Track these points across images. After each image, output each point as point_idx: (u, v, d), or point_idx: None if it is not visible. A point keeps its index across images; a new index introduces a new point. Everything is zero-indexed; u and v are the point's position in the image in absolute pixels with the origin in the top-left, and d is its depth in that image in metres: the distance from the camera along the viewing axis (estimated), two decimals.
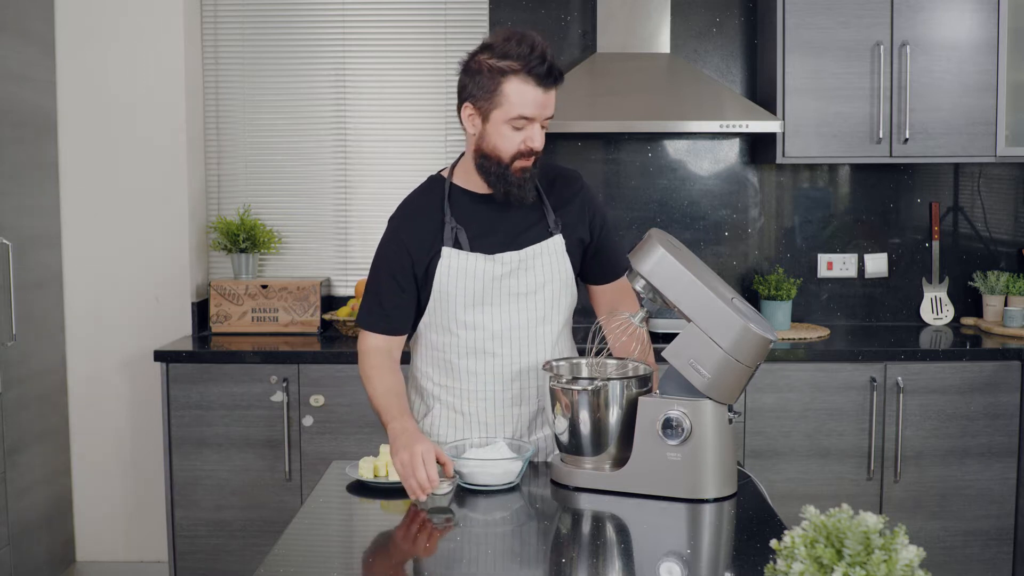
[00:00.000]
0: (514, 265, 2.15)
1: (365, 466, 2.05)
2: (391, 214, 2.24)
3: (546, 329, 2.21)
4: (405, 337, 2.24)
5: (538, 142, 2.07)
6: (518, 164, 2.08)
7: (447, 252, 2.14)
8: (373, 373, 2.17)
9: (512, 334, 2.18)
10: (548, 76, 2.03)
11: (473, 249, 2.14)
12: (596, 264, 2.28)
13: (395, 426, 2.03)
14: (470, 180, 2.18)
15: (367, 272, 2.27)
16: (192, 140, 3.83)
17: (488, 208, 2.16)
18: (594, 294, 2.34)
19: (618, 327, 2.26)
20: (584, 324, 2.48)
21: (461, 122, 2.13)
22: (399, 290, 2.17)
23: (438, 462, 1.93)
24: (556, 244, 2.19)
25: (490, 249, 2.14)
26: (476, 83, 2.06)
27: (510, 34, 2.05)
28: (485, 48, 2.07)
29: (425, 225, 2.17)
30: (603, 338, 2.28)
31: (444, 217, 2.15)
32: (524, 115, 2.04)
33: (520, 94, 2.03)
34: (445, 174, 2.23)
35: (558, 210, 2.21)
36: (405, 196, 2.26)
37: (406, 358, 2.36)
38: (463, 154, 2.21)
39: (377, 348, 2.20)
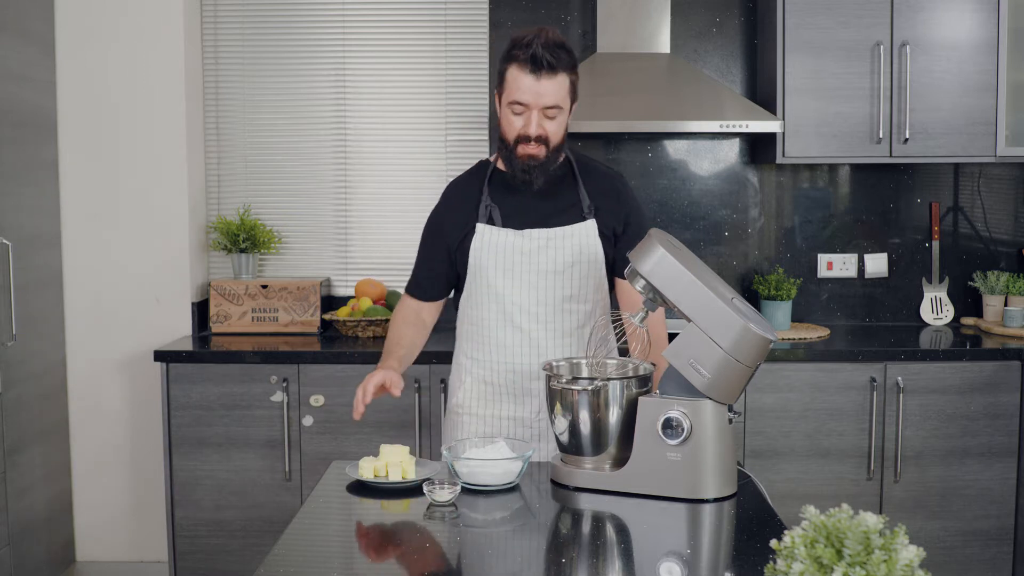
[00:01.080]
0: (542, 242, 2.28)
1: (365, 466, 2.05)
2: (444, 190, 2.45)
3: (575, 307, 2.32)
4: (437, 304, 2.46)
5: (533, 129, 2.21)
6: (521, 149, 2.24)
7: (481, 228, 2.30)
8: (395, 322, 2.44)
9: (540, 309, 2.30)
10: (535, 63, 2.17)
11: (505, 225, 2.29)
12: (622, 258, 2.38)
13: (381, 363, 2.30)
14: None
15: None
16: (192, 140, 3.83)
17: (526, 190, 2.31)
18: (620, 288, 2.43)
19: (618, 327, 2.27)
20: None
21: None
22: (432, 263, 2.40)
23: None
24: (588, 228, 2.31)
25: (520, 226, 2.30)
26: (499, 71, 2.27)
27: (529, 29, 2.24)
28: (512, 40, 2.25)
29: (464, 204, 2.34)
30: (617, 336, 2.31)
31: (482, 196, 2.32)
32: (518, 100, 2.20)
33: (515, 80, 2.20)
34: (492, 159, 2.41)
35: (593, 198, 2.34)
36: (457, 175, 2.47)
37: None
38: None
39: (408, 306, 2.46)
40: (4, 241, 3.25)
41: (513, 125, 2.23)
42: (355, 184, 4.00)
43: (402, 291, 2.72)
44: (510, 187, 2.32)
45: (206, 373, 3.42)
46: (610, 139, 3.95)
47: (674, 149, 3.98)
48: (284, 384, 3.41)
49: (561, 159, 2.33)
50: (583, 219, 2.32)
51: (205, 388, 3.42)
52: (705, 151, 3.98)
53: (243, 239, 3.81)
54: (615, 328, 2.40)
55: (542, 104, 2.20)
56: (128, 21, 3.72)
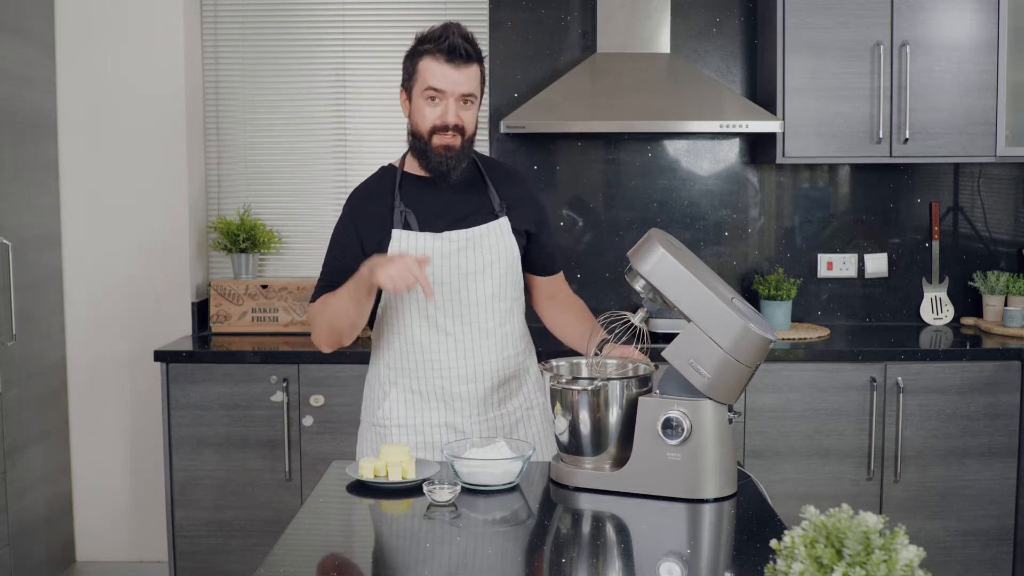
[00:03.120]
0: (462, 244, 2.27)
1: (365, 466, 2.05)
2: (348, 195, 2.40)
3: (497, 306, 2.32)
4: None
5: (451, 117, 2.21)
6: (437, 140, 2.23)
7: (397, 234, 2.27)
8: (317, 306, 2.28)
9: (464, 310, 2.29)
10: (452, 52, 2.20)
11: (422, 229, 2.27)
12: (541, 256, 2.43)
13: (362, 268, 2.13)
14: (418, 166, 2.33)
15: None
16: (192, 140, 3.83)
17: (436, 191, 2.30)
18: (534, 284, 2.48)
19: (618, 327, 2.26)
20: (538, 324, 2.51)
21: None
22: (345, 271, 2.26)
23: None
24: (502, 225, 2.32)
25: (438, 229, 2.28)
26: (405, 69, 2.27)
27: (436, 25, 2.26)
28: (417, 39, 2.27)
29: (376, 210, 2.31)
30: (618, 336, 2.31)
31: (394, 202, 2.29)
32: (434, 86, 2.20)
33: (429, 69, 2.21)
34: (397, 164, 2.38)
35: (503, 196, 2.35)
36: (357, 184, 2.42)
37: (365, 358, 2.45)
38: None
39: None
40: (4, 241, 3.25)
41: (428, 117, 2.22)
42: (355, 184, 3.98)
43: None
44: (422, 190, 2.30)
45: (206, 373, 3.41)
46: (610, 139, 3.95)
47: (674, 149, 3.98)
48: (284, 384, 3.41)
49: (469, 155, 2.31)
50: (496, 217, 2.32)
51: (205, 388, 3.42)
52: (705, 151, 3.98)
53: (243, 239, 3.81)
54: (615, 328, 2.39)
55: (459, 92, 2.21)
56: (128, 21, 3.72)
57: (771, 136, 3.66)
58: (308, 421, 3.42)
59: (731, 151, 3.98)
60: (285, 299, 3.75)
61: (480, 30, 3.92)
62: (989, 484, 3.42)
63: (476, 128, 2.30)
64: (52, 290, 3.69)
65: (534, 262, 2.43)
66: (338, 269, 2.30)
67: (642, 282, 1.98)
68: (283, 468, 3.44)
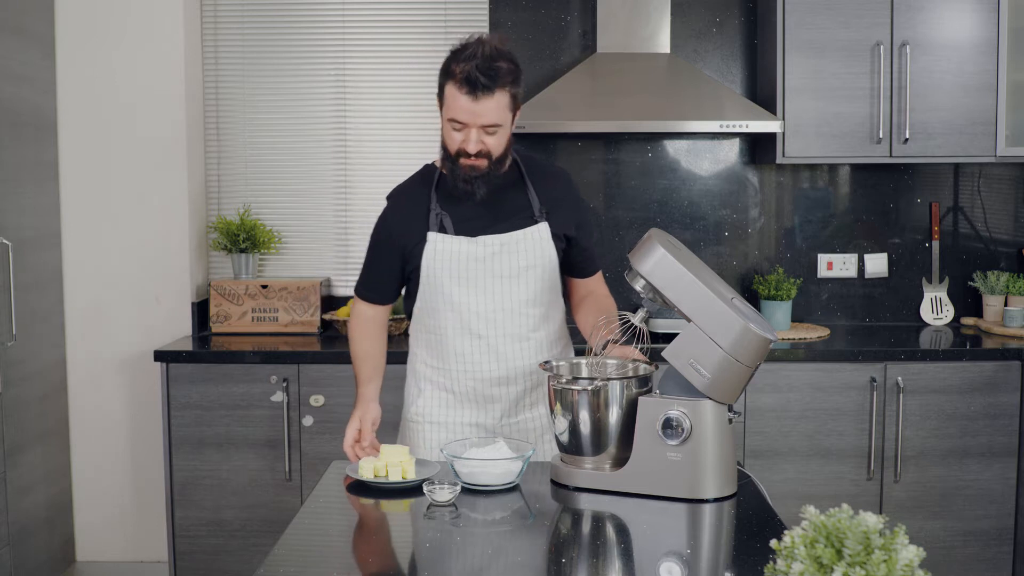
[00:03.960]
0: (496, 248, 2.26)
1: (365, 466, 2.05)
2: (388, 192, 2.42)
3: (532, 311, 2.30)
4: (391, 306, 2.46)
5: (472, 146, 2.18)
6: (463, 161, 2.21)
7: (432, 237, 2.26)
8: (356, 335, 2.43)
9: (497, 315, 2.28)
10: (471, 85, 2.14)
11: (457, 233, 2.26)
12: (581, 259, 2.40)
13: (358, 392, 2.39)
14: None
15: None
16: (192, 140, 3.83)
17: (469, 200, 2.27)
18: (571, 285, 2.46)
19: (616, 326, 2.26)
20: (574, 324, 2.51)
21: None
22: (383, 268, 2.36)
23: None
24: (541, 231, 2.29)
25: (473, 232, 2.27)
26: (438, 83, 2.25)
27: (468, 41, 2.19)
28: (452, 50, 2.22)
29: (413, 211, 2.31)
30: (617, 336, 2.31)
31: (430, 204, 2.28)
32: (455, 119, 2.18)
33: (452, 99, 2.18)
34: (438, 163, 2.35)
35: (543, 198, 2.32)
36: (401, 181, 2.42)
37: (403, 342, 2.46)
38: None
39: (364, 314, 2.43)
40: (4, 241, 3.24)
41: (453, 139, 2.20)
42: (355, 184, 4.00)
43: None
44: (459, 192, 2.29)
45: (206, 373, 3.41)
46: (610, 139, 3.95)
47: (674, 149, 3.98)
48: (284, 384, 3.41)
49: (506, 167, 2.29)
50: (535, 222, 2.29)
51: (205, 388, 3.42)
52: (705, 151, 3.98)
53: (243, 239, 3.81)
54: (612, 331, 2.39)
55: (480, 123, 2.17)
56: (128, 21, 3.72)
57: (771, 136, 3.66)
58: (308, 421, 3.42)
59: (731, 151, 3.98)
60: (285, 299, 3.75)
61: (480, 30, 3.91)
62: (989, 484, 3.42)
63: (507, 148, 2.25)
64: (52, 290, 3.69)
65: (573, 264, 2.40)
66: (376, 265, 2.37)
67: (642, 282, 1.98)
68: (283, 468, 3.44)
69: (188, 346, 3.53)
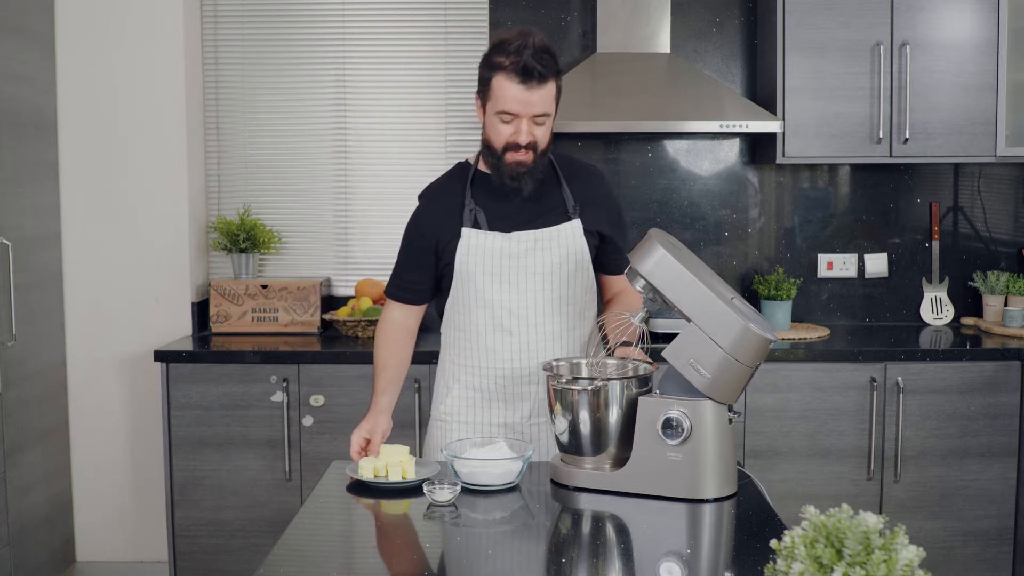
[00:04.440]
0: (530, 244, 2.26)
1: (365, 466, 2.05)
2: (420, 191, 2.40)
3: (565, 309, 2.30)
4: (423, 308, 2.43)
5: (523, 137, 2.19)
6: (510, 156, 2.21)
7: (466, 232, 2.26)
8: (380, 340, 2.41)
9: (529, 312, 2.27)
10: (526, 74, 2.14)
11: (491, 229, 2.26)
12: (615, 256, 2.40)
13: (372, 400, 2.36)
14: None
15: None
16: (192, 140, 3.83)
17: (515, 197, 2.27)
18: (604, 282, 2.45)
19: (617, 326, 2.26)
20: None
21: None
22: (417, 266, 2.35)
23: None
24: (574, 228, 2.30)
25: (507, 228, 2.27)
26: (480, 78, 2.22)
27: (515, 33, 2.18)
28: (493, 44, 2.21)
29: (447, 208, 2.30)
30: (603, 337, 2.31)
31: (464, 200, 2.28)
32: (507, 110, 2.17)
33: (503, 89, 2.16)
34: (472, 160, 2.36)
35: (578, 198, 2.32)
36: (434, 179, 2.41)
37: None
38: None
39: (394, 319, 2.41)
40: (4, 241, 3.25)
41: (501, 134, 2.20)
42: (355, 184, 4.00)
43: None
44: (493, 189, 2.29)
45: (206, 373, 3.41)
46: (610, 139, 3.95)
47: (674, 149, 3.98)
48: (284, 384, 3.41)
49: (546, 161, 2.31)
50: (568, 219, 2.30)
51: (205, 388, 3.42)
52: (705, 151, 3.98)
53: (243, 239, 3.81)
54: (612, 331, 2.38)
55: (532, 113, 2.17)
56: (128, 21, 3.72)
57: (771, 136, 3.66)
58: (308, 421, 3.42)
59: (731, 151, 3.98)
60: (285, 299, 3.75)
61: (480, 30, 3.92)
62: (989, 484, 3.42)
63: (551, 141, 2.26)
64: (52, 290, 3.69)
65: (605, 262, 2.40)
66: (409, 264, 2.36)
67: (642, 282, 1.98)
68: (283, 468, 3.44)
69: (188, 346, 3.53)
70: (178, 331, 3.78)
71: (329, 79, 3.97)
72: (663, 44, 3.74)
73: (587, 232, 2.30)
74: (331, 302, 3.97)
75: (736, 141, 3.97)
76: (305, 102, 3.98)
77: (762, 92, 3.84)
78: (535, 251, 2.26)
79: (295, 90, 3.98)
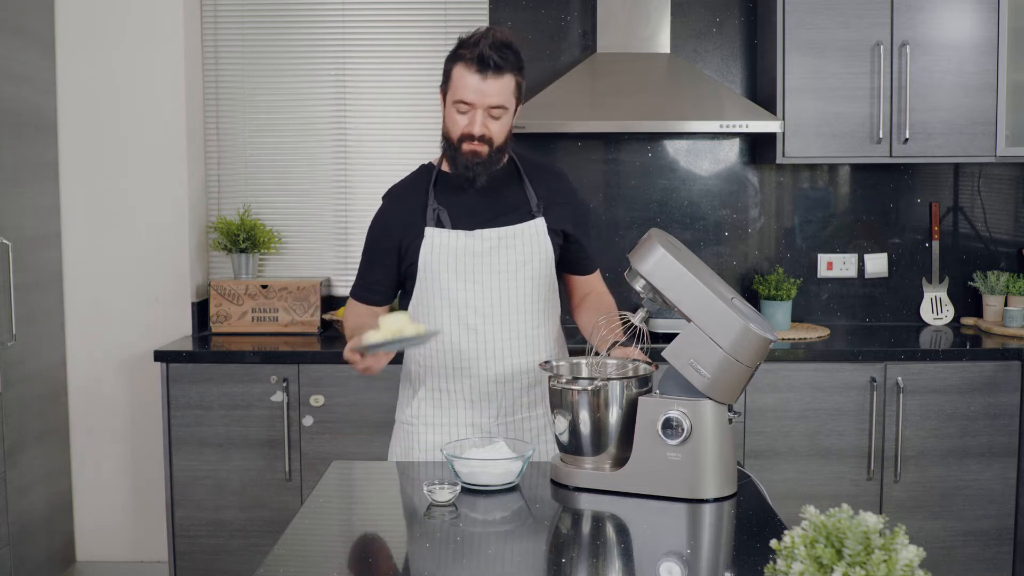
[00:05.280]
0: (494, 242, 2.27)
1: (372, 335, 2.00)
2: (385, 192, 2.41)
3: (530, 307, 2.30)
4: (385, 309, 2.41)
5: (477, 128, 2.21)
6: (466, 147, 2.23)
7: (430, 232, 2.27)
8: (350, 321, 2.38)
9: (495, 311, 2.27)
10: (482, 64, 2.17)
11: (455, 227, 2.27)
12: (579, 256, 2.41)
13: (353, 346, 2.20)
14: None
15: None
16: (192, 140, 3.83)
17: (472, 191, 2.29)
18: (570, 283, 2.47)
19: (617, 326, 2.26)
20: (573, 324, 2.51)
21: None
22: (380, 266, 2.34)
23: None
24: (538, 226, 2.30)
25: (470, 227, 2.28)
26: (444, 72, 2.27)
27: (478, 29, 2.23)
28: (459, 40, 2.25)
29: (410, 208, 2.31)
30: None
31: (427, 200, 2.30)
32: (463, 99, 2.20)
33: (460, 79, 2.20)
34: (435, 162, 2.38)
35: (541, 196, 2.33)
36: (396, 181, 2.43)
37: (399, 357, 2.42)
38: None
39: (358, 311, 2.40)
40: (4, 241, 3.25)
41: (457, 124, 2.22)
42: (355, 184, 4.00)
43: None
44: (456, 188, 2.30)
45: (206, 373, 3.41)
46: (610, 139, 3.95)
47: (674, 149, 3.98)
48: (284, 384, 3.41)
49: (504, 159, 2.31)
50: (532, 217, 2.30)
51: (205, 388, 3.42)
52: (705, 151, 3.98)
53: (243, 239, 3.81)
54: (612, 330, 2.38)
55: (487, 104, 2.19)
56: (128, 21, 3.72)
57: (771, 136, 3.66)
58: (308, 421, 3.42)
59: (731, 151, 3.98)
60: (285, 299, 3.75)
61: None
62: (989, 484, 3.42)
63: (508, 137, 2.27)
64: (52, 290, 3.69)
65: (571, 262, 2.41)
66: (372, 265, 2.35)
67: (642, 282, 1.98)
68: (283, 468, 3.44)
69: (188, 346, 3.53)
70: (178, 331, 3.78)
71: (329, 79, 3.97)
72: (663, 44, 3.74)
73: (551, 231, 2.31)
74: (331, 302, 3.97)
75: (736, 141, 3.97)
76: (305, 102, 3.98)
77: (762, 92, 3.84)
78: (499, 249, 2.26)
79: (295, 90, 3.98)
